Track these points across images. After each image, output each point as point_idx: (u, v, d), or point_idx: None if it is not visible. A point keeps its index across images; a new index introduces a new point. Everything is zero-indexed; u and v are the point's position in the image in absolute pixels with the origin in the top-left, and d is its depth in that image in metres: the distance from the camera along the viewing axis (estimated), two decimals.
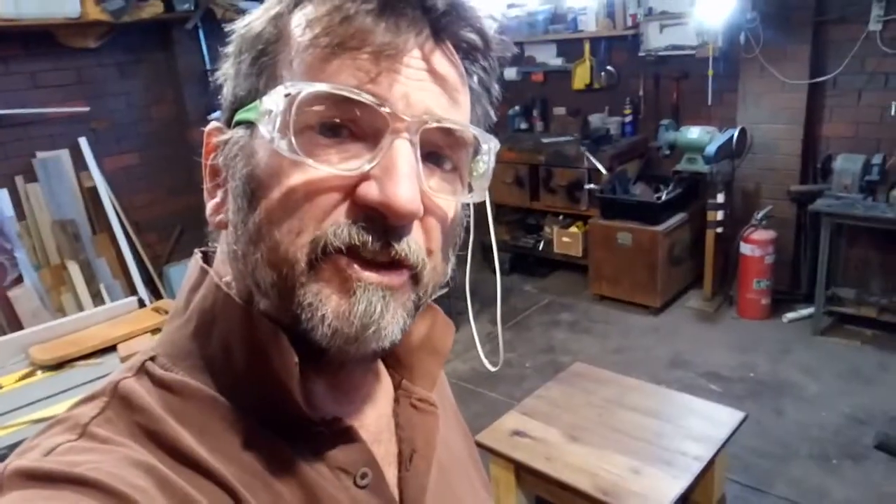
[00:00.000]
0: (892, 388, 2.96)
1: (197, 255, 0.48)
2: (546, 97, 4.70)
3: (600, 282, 4.07)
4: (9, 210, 3.18)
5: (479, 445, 2.24)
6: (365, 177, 0.40)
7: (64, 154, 3.39)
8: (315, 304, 0.40)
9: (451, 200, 0.45)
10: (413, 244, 0.42)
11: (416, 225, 0.42)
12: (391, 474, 0.47)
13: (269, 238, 0.40)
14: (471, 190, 0.48)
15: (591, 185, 4.03)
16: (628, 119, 4.32)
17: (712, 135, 3.69)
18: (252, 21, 0.44)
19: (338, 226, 0.40)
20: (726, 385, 3.09)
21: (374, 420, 0.49)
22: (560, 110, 4.62)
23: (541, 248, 4.49)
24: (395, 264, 0.41)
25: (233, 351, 0.42)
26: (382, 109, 0.40)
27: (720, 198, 3.68)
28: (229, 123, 0.44)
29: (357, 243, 0.40)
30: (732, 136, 3.60)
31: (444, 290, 3.63)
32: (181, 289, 0.47)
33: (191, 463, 0.39)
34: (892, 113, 3.33)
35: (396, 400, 0.52)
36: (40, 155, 3.31)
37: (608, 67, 4.31)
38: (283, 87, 0.40)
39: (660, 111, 4.17)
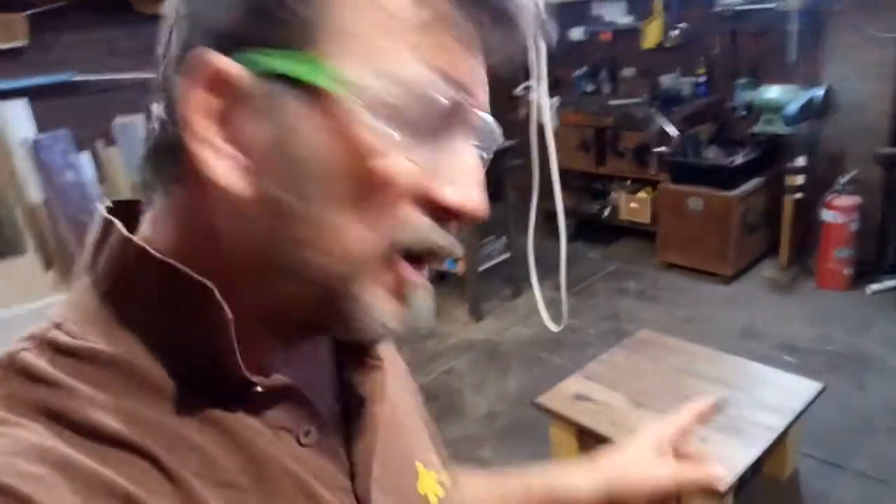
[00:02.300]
0: None
1: (101, 207, 0.42)
2: (614, 57, 4.53)
3: (669, 249, 3.94)
4: (91, 172, 3.33)
5: (540, 408, 2.22)
6: (441, 180, 0.38)
7: (139, 119, 3.51)
8: (373, 307, 0.38)
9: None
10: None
11: None
12: (337, 431, 0.45)
13: (337, 234, 0.36)
14: None
15: (661, 149, 3.88)
16: (702, 79, 4.11)
17: (794, 94, 3.47)
18: None
19: (412, 227, 0.37)
20: (802, 357, 2.95)
21: (317, 376, 0.47)
22: (629, 71, 4.45)
23: (607, 214, 4.38)
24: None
25: (154, 311, 0.38)
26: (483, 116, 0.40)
27: (800, 161, 3.47)
28: (224, 51, 0.35)
29: (436, 248, 0.39)
30: (816, 95, 3.38)
31: (506, 256, 3.61)
32: (85, 245, 0.42)
33: (103, 436, 0.35)
34: None
35: (339, 353, 0.49)
36: (118, 120, 3.44)
37: (681, 24, 4.10)
38: (427, 77, 0.35)
39: (736, 70, 3.94)
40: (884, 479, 2.21)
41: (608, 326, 3.36)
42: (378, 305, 0.38)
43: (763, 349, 3.02)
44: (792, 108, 3.34)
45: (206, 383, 0.38)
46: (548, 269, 3.37)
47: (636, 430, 2.22)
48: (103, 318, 0.38)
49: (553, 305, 2.26)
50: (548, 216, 2.27)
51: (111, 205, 0.43)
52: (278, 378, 0.41)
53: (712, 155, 3.86)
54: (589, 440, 2.21)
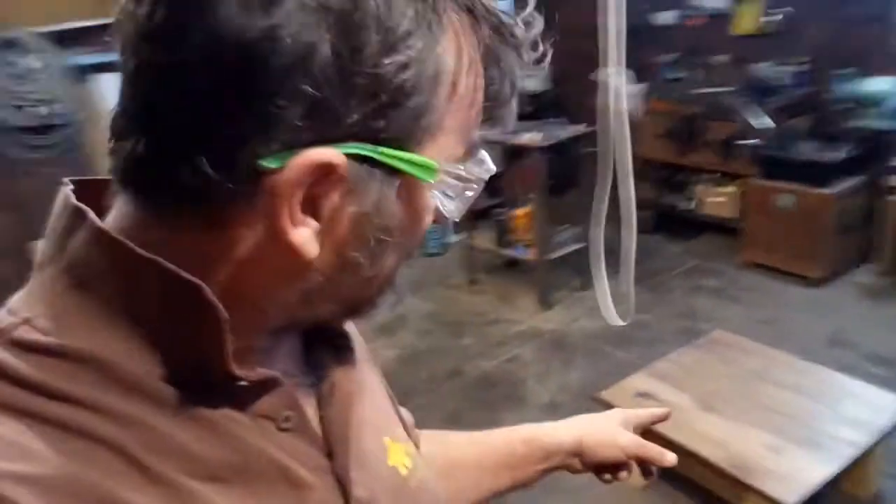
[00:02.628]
0: None
1: (66, 190, 0.40)
2: (705, 44, 4.31)
3: (754, 247, 3.74)
4: None
5: (601, 403, 2.17)
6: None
7: None
8: (381, 303, 0.46)
9: None
10: None
11: None
12: (312, 413, 0.45)
13: (388, 271, 0.43)
14: None
15: (751, 141, 3.67)
16: (801, 68, 3.85)
17: None
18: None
19: (422, 241, 0.46)
20: (894, 370, 2.74)
21: (289, 359, 0.47)
22: (720, 58, 4.22)
23: (688, 207, 4.20)
24: None
25: (134, 307, 0.37)
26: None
27: None
28: (379, 166, 0.38)
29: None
30: None
31: (579, 246, 3.53)
32: (48, 231, 0.40)
33: (83, 436, 0.34)
34: None
35: (307, 336, 0.49)
36: None
37: (782, 9, 3.85)
38: (485, 167, 0.45)
39: (839, 60, 3.66)
40: None
41: (682, 324, 3.24)
42: (386, 300, 0.45)
43: (850, 359, 2.82)
44: None
45: (189, 379, 0.38)
46: (621, 262, 3.27)
47: (702, 434, 2.13)
48: (75, 313, 0.37)
49: (624, 299, 2.19)
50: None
51: (72, 186, 0.41)
52: (263, 371, 0.41)
53: (808, 150, 3.61)
54: (652, 441, 2.14)
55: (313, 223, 0.37)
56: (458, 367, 3.04)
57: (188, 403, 0.38)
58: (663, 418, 0.79)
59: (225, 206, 0.35)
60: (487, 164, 0.45)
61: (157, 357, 0.37)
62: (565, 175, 3.61)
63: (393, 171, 0.38)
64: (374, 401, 0.55)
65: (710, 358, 2.37)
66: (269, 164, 0.34)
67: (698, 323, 3.21)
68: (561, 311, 3.48)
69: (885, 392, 2.09)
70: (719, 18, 4.13)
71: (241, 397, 0.40)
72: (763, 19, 3.88)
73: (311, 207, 0.37)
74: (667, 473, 2.22)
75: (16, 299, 0.39)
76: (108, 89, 3.03)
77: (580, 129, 3.40)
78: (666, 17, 4.28)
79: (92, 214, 0.38)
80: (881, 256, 3.42)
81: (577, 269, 3.62)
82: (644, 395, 2.18)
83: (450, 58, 0.38)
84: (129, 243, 0.36)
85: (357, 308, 0.46)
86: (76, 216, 0.38)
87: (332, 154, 0.35)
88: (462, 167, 0.42)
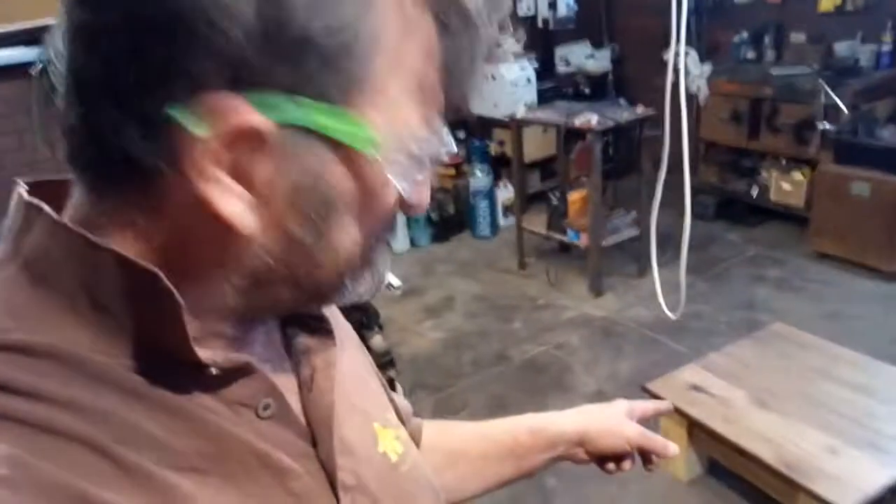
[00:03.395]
0: None
1: (19, 189, 0.39)
2: (783, 21, 4.07)
3: (823, 237, 3.54)
4: None
5: (650, 394, 2.11)
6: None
7: None
8: (352, 288, 0.43)
9: None
10: None
11: None
12: (293, 400, 0.44)
13: (341, 251, 0.40)
14: None
15: (827, 125, 3.46)
16: (887, 48, 3.59)
17: None
18: None
19: (392, 225, 0.43)
20: None
21: (266, 346, 0.46)
22: (799, 37, 3.98)
23: (754, 194, 4.01)
24: None
25: (94, 298, 0.36)
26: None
27: None
28: (293, 126, 0.35)
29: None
30: None
31: (635, 233, 3.43)
32: (3, 232, 0.39)
33: (51, 433, 0.33)
34: None
35: (285, 322, 0.48)
36: None
37: None
38: (433, 134, 0.40)
39: None
40: None
41: (740, 316, 3.11)
42: (359, 286, 0.43)
43: None
44: None
45: (156, 368, 0.37)
46: (679, 250, 3.16)
47: (754, 431, 2.05)
48: (35, 308, 0.36)
49: (679, 288, 2.11)
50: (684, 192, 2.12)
51: (27, 186, 0.40)
52: (233, 357, 0.40)
53: (889, 135, 3.38)
54: (700, 435, 2.07)
55: (246, 195, 0.35)
56: (505, 351, 3.01)
57: (159, 393, 0.37)
58: (665, 411, 0.80)
59: (155, 178, 0.34)
60: (447, 143, 0.42)
61: (122, 347, 0.37)
62: (623, 159, 3.50)
63: (330, 142, 0.36)
64: (361, 385, 0.54)
65: (767, 352, 2.26)
66: (189, 124, 0.32)
67: (757, 315, 3.08)
68: (612, 299, 3.40)
69: None
70: None
71: (215, 385, 0.39)
72: None
73: (244, 179, 0.35)
74: (716, 469, 2.15)
75: None
76: None
77: (639, 111, 3.29)
78: None
79: (47, 207, 0.37)
80: None
81: (632, 255, 3.53)
82: (696, 388, 2.10)
83: (391, 24, 0.36)
84: (83, 231, 0.36)
85: (320, 293, 0.43)
86: (30, 212, 0.38)
87: (258, 120, 0.33)
88: (415, 143, 0.39)
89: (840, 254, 3.47)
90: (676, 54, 2.01)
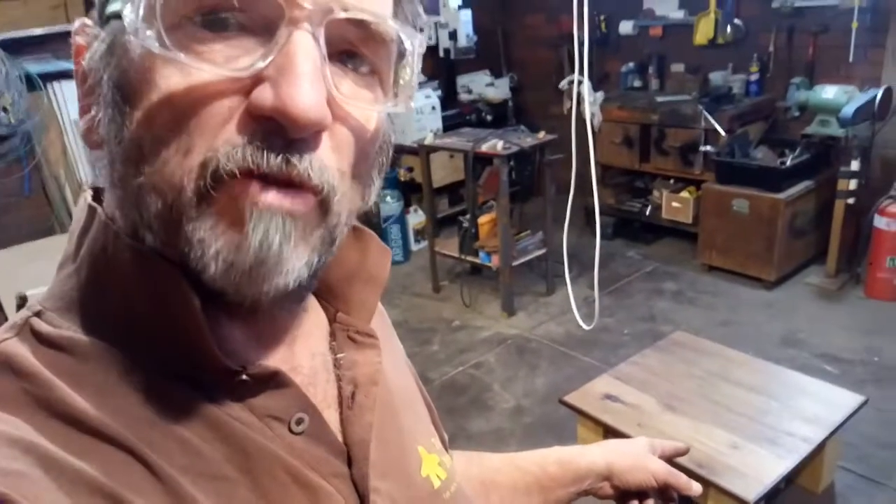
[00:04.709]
0: None
1: (86, 192, 0.41)
2: (664, 53, 4.43)
3: (710, 251, 3.84)
4: None
5: (568, 406, 2.20)
6: (259, 79, 0.33)
7: None
8: (206, 240, 0.34)
9: (369, 110, 0.38)
10: (318, 162, 0.35)
11: (325, 141, 0.35)
12: (332, 417, 0.43)
13: (149, 158, 0.34)
14: (396, 98, 0.40)
15: (708, 148, 3.78)
16: (754, 77, 3.98)
17: (851, 95, 3.33)
18: None
19: (231, 145, 0.33)
20: (845, 368, 2.84)
21: (308, 360, 0.44)
22: (678, 67, 4.34)
23: (648, 212, 4.29)
24: (298, 186, 0.35)
25: (130, 298, 0.37)
26: None
27: (854, 165, 3.34)
28: (102, 18, 0.36)
29: (252, 166, 0.33)
30: (875, 96, 3.23)
31: (542, 252, 3.57)
32: (70, 232, 0.40)
33: (88, 429, 0.34)
34: None
35: (332, 335, 0.47)
36: None
37: (735, 20, 3.98)
38: None
39: (791, 69, 3.81)
40: None
41: (643, 327, 3.30)
42: (213, 239, 0.34)
43: (803, 358, 2.92)
44: (848, 109, 3.21)
45: (189, 374, 0.37)
46: (584, 267, 3.33)
47: (665, 434, 2.17)
48: (83, 307, 0.37)
49: (588, 304, 2.23)
50: (587, 213, 2.25)
51: (93, 191, 0.41)
52: (264, 366, 0.39)
53: (761, 156, 3.73)
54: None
55: (84, 102, 0.38)
56: (425, 374, 3.03)
57: (190, 399, 0.37)
58: (684, 452, 0.78)
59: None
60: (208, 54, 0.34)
61: (155, 350, 0.37)
62: (527, 182, 3.65)
63: (108, 19, 0.36)
64: (407, 407, 0.53)
65: (671, 359, 2.42)
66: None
67: (659, 325, 3.28)
68: (525, 317, 3.51)
69: (837, 389, 2.17)
70: (679, 28, 4.25)
71: (247, 395, 0.38)
72: (722, 29, 4.00)
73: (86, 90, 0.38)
74: None
75: (37, 296, 0.39)
76: (64, 97, 2.95)
77: (542, 136, 3.45)
78: (627, 27, 4.38)
79: (100, 209, 0.38)
80: (831, 259, 3.55)
81: (541, 275, 3.67)
82: (609, 398, 2.21)
83: None
84: (119, 231, 0.37)
85: (169, 235, 0.35)
86: (91, 215, 0.39)
87: (77, 24, 0.37)
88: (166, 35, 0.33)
89: (727, 266, 3.77)
90: (579, 82, 2.14)
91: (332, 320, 0.48)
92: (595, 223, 2.17)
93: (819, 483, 2.16)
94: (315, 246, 0.37)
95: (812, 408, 2.06)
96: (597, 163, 4.95)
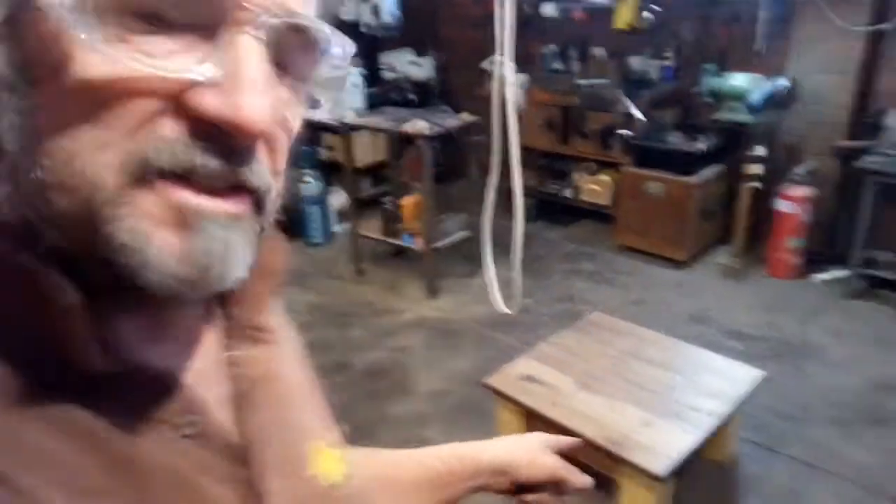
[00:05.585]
0: None
1: None
2: (585, 37, 4.49)
3: (626, 232, 3.96)
4: None
5: (488, 388, 2.22)
6: (196, 81, 0.31)
7: None
8: (133, 245, 0.31)
9: (301, 114, 0.38)
10: (256, 165, 0.34)
11: (260, 143, 0.34)
12: (226, 416, 0.41)
13: (54, 151, 0.30)
14: (314, 101, 0.40)
15: (625, 131, 3.88)
16: (669, 63, 4.10)
17: (758, 83, 3.48)
18: None
19: (163, 142, 0.31)
20: (748, 344, 3.01)
21: (202, 358, 0.42)
22: (599, 51, 4.41)
23: (568, 194, 4.37)
24: (236, 189, 0.34)
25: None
26: None
27: (760, 150, 3.51)
28: None
29: (195, 165, 0.31)
30: (780, 85, 3.40)
31: (465, 234, 3.57)
32: None
33: None
34: None
35: (227, 331, 0.45)
36: None
37: (653, 7, 4.07)
38: None
39: (704, 56, 3.94)
40: (814, 464, 2.28)
41: (562, 308, 3.38)
42: (142, 243, 0.31)
43: (711, 335, 3.07)
44: (755, 97, 3.36)
45: (56, 378, 0.33)
46: (506, 248, 3.34)
47: (581, 413, 2.21)
48: None
49: (510, 285, 2.25)
50: (509, 194, 2.25)
51: None
52: (152, 367, 0.37)
53: (675, 140, 3.87)
54: (535, 422, 2.21)
55: None
56: (345, 359, 2.99)
57: (58, 406, 0.33)
58: (578, 447, 0.81)
59: None
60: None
61: (14, 355, 0.32)
62: (452, 164, 3.64)
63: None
64: (304, 402, 0.51)
65: (588, 339, 2.48)
66: None
67: (577, 305, 3.36)
68: (448, 299, 3.51)
69: (741, 364, 2.28)
70: (601, 12, 4.30)
71: (129, 399, 0.35)
72: (639, 15, 4.08)
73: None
74: None
75: None
76: None
77: (467, 118, 3.43)
78: (549, 9, 4.40)
79: None
80: (737, 240, 3.73)
81: (465, 256, 3.68)
82: (529, 379, 2.24)
83: None
84: None
85: (88, 240, 0.31)
86: None
87: None
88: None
89: (641, 247, 3.91)
90: (501, 64, 2.13)
91: (227, 316, 0.46)
92: (522, 206, 2.18)
93: (723, 454, 2.28)
94: (254, 245, 0.36)
95: (717, 383, 2.16)
96: (519, 145, 4.97)
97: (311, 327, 3.28)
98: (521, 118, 4.40)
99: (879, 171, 3.17)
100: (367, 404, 2.67)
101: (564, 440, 0.80)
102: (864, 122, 3.45)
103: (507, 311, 2.11)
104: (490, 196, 2.27)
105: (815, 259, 3.62)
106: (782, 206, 3.51)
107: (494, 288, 2.05)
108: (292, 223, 4.17)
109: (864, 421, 2.48)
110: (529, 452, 0.75)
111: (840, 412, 2.53)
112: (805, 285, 3.53)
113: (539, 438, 0.77)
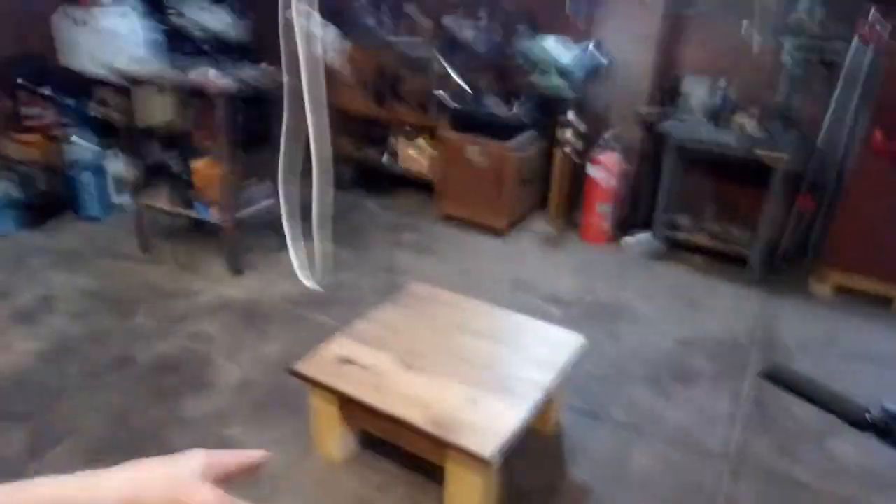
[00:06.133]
0: (720, 313, 3.05)
1: None
2: None
3: (447, 201, 3.83)
4: None
5: (297, 376, 1.92)
6: None
7: None
8: None
9: None
10: None
11: None
12: None
13: None
14: None
15: (443, 95, 3.71)
16: (483, 23, 3.99)
17: (568, 48, 3.49)
18: None
19: None
20: (566, 308, 3.01)
21: None
22: (412, 8, 4.18)
23: (386, 161, 4.14)
24: None
25: None
26: None
27: (571, 116, 3.53)
28: None
29: None
30: (588, 50, 3.43)
31: (271, 202, 3.19)
32: None
33: None
34: (743, 31, 3.28)
35: None
36: None
37: None
38: None
39: (517, 17, 3.88)
40: (635, 425, 2.29)
41: (384, 280, 3.15)
42: None
43: (533, 301, 3.03)
44: (565, 60, 3.35)
45: None
46: (321, 220, 2.99)
47: (404, 396, 1.89)
48: None
49: (325, 259, 1.95)
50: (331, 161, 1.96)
51: None
52: None
53: (492, 105, 3.78)
54: (355, 409, 1.96)
55: None
56: (127, 353, 2.50)
57: None
58: (257, 463, 0.58)
59: None
60: None
61: None
62: (256, 124, 3.22)
63: None
64: None
65: (409, 313, 2.27)
66: None
67: (399, 277, 3.16)
68: (254, 277, 3.12)
69: (563, 330, 2.21)
70: None
71: None
72: None
73: None
74: (372, 442, 2.07)
75: None
76: None
77: (272, 73, 3.03)
78: None
79: None
80: (552, 206, 3.76)
81: (274, 229, 3.29)
82: (345, 361, 1.98)
83: None
84: None
85: None
86: None
87: None
88: None
89: (462, 216, 3.80)
90: (307, 15, 1.83)
91: None
92: (333, 173, 1.89)
93: (548, 424, 2.21)
94: None
95: (542, 351, 2.06)
96: (333, 107, 4.64)
97: (86, 316, 2.72)
98: (335, 78, 4.07)
99: (675, 136, 3.33)
100: (156, 405, 2.23)
101: (231, 461, 0.58)
102: (662, 89, 3.61)
103: (313, 285, 1.82)
104: (296, 160, 1.96)
105: (623, 223, 3.75)
106: (593, 172, 3.58)
107: (296, 260, 1.75)
108: (60, 193, 3.47)
109: (673, 378, 2.56)
110: (173, 488, 0.53)
111: (651, 370, 2.60)
112: (616, 250, 3.65)
113: (196, 464, 0.54)
